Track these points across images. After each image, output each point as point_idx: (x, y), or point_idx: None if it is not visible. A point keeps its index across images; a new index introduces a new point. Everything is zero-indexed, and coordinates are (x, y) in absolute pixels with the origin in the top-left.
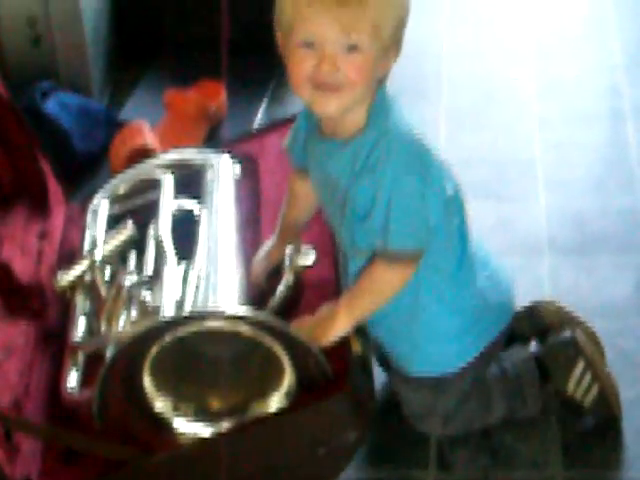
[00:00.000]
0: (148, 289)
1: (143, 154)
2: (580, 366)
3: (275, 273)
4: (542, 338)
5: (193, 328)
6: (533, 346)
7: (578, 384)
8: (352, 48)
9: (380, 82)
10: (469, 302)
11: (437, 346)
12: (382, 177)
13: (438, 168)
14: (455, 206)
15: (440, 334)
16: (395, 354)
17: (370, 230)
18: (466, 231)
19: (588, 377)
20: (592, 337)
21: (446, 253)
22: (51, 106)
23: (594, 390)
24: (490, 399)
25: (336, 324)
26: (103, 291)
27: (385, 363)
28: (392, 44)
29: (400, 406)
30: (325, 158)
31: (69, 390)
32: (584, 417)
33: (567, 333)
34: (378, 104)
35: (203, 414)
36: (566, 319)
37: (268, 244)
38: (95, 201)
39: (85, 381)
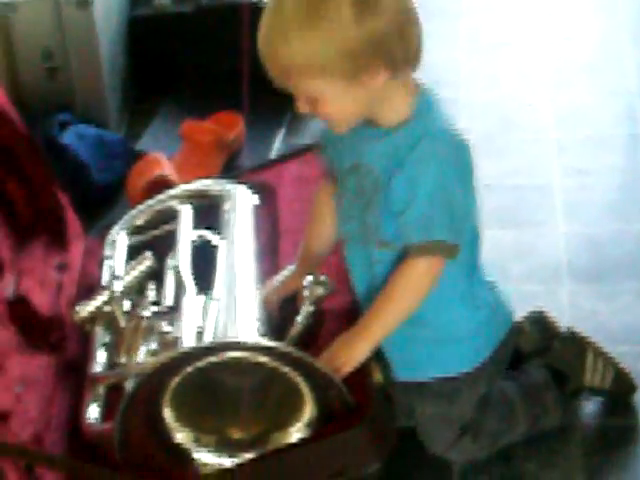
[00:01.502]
0: (168, 320)
1: (161, 185)
2: (590, 356)
3: (289, 302)
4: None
5: (213, 359)
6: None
7: (594, 373)
8: (302, 92)
9: (400, 72)
10: (485, 298)
11: (455, 346)
12: (426, 172)
13: (472, 170)
14: (476, 208)
15: (460, 332)
16: (407, 364)
17: (407, 221)
18: (478, 231)
19: (600, 363)
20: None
21: (467, 249)
22: (68, 138)
23: (610, 372)
24: (513, 411)
25: (357, 349)
26: (123, 322)
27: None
28: (348, 70)
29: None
30: (361, 144)
31: (90, 422)
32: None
33: (564, 331)
34: (425, 101)
35: (224, 445)
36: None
37: (285, 272)
38: (113, 232)
39: (106, 413)
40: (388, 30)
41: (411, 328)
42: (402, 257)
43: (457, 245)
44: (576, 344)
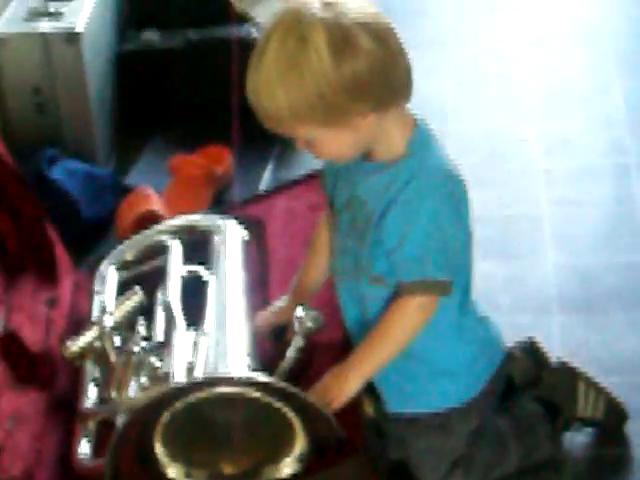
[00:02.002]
0: (158, 355)
1: (150, 220)
2: (581, 387)
3: (280, 334)
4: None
5: (204, 394)
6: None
7: (586, 403)
8: (297, 137)
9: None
10: (477, 332)
11: (447, 381)
12: (419, 210)
13: (467, 204)
14: (471, 241)
15: (452, 367)
16: (399, 397)
17: (399, 260)
18: (471, 263)
19: (592, 393)
20: None
21: (460, 282)
22: (57, 173)
23: (602, 402)
24: (505, 444)
25: (348, 384)
26: (113, 358)
27: (379, 429)
28: (335, 115)
29: (411, 468)
30: (357, 178)
31: (81, 458)
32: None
33: (555, 362)
34: (419, 136)
35: None
36: None
37: (278, 304)
38: (103, 267)
39: (97, 449)
40: (369, 71)
41: (403, 362)
42: (394, 293)
43: (450, 282)
44: (567, 375)
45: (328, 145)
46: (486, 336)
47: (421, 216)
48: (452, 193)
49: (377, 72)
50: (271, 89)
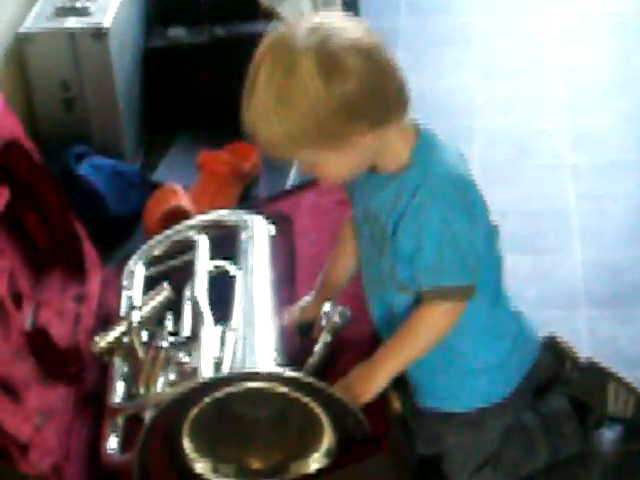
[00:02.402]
0: (186, 351)
1: (178, 216)
2: (612, 386)
3: (307, 329)
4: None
5: (232, 389)
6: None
7: (616, 402)
8: (298, 161)
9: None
10: (509, 327)
11: (482, 378)
12: (429, 218)
13: (481, 202)
14: (495, 236)
15: (486, 364)
16: (435, 392)
17: (417, 269)
18: (501, 258)
19: (622, 392)
20: None
21: (489, 279)
22: (85, 169)
23: (632, 401)
24: (533, 441)
25: (374, 380)
26: (141, 353)
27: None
28: (331, 138)
29: (439, 463)
30: (369, 191)
31: (109, 453)
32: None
33: (584, 361)
34: (422, 144)
35: (243, 475)
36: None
37: (305, 299)
38: (131, 263)
39: (125, 444)
40: (361, 93)
41: (434, 359)
42: (419, 300)
43: (471, 286)
44: (597, 374)
45: (330, 167)
46: (519, 332)
47: (431, 225)
48: (461, 197)
49: (369, 92)
50: (266, 121)
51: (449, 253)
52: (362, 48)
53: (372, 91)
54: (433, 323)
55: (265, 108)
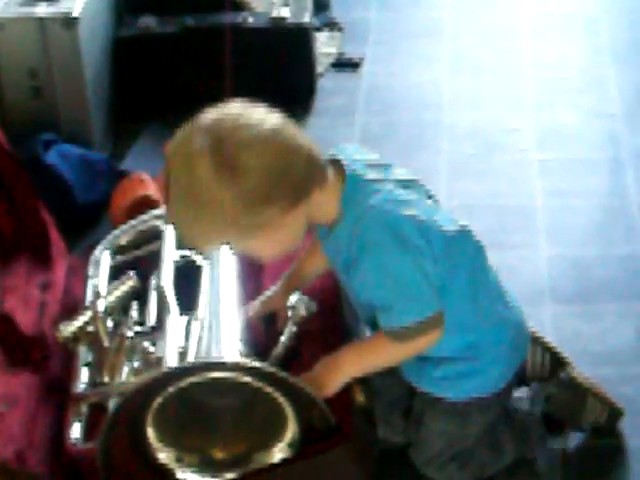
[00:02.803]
0: (151, 340)
1: (145, 205)
2: (590, 401)
3: (270, 321)
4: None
5: (196, 378)
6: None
7: (591, 414)
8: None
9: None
10: (514, 317)
11: (474, 371)
12: (366, 266)
13: (417, 225)
14: (461, 241)
15: (476, 359)
16: (429, 380)
17: (376, 311)
18: (475, 253)
19: (598, 405)
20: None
21: (462, 283)
22: (52, 157)
23: (606, 411)
24: (500, 442)
25: (339, 374)
26: (106, 342)
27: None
28: (247, 230)
29: (406, 453)
30: (322, 242)
31: (73, 441)
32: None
33: (563, 376)
34: (348, 190)
35: (207, 465)
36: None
37: (271, 289)
38: (97, 252)
39: (89, 432)
40: (264, 184)
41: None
42: None
43: (437, 313)
44: (576, 391)
45: (261, 250)
46: (515, 324)
47: (368, 274)
48: (392, 236)
49: (272, 182)
50: (184, 226)
51: (394, 294)
52: (258, 142)
53: (275, 179)
54: (405, 350)
55: (178, 215)
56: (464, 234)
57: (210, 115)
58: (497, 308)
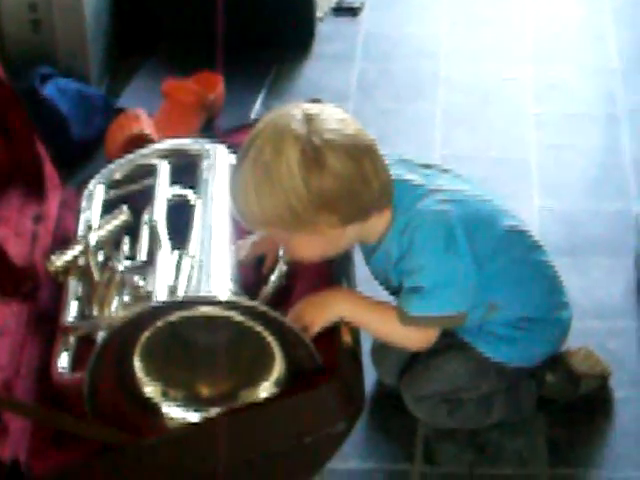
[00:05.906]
0: (141, 274)
1: (140, 141)
2: (584, 383)
3: (259, 262)
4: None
5: (185, 313)
6: None
7: (585, 389)
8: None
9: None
10: (569, 313)
11: (538, 347)
12: (417, 264)
13: (466, 222)
14: (511, 238)
15: (548, 335)
16: (478, 334)
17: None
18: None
19: (592, 382)
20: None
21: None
22: (49, 91)
23: (597, 382)
24: (491, 407)
25: (326, 312)
26: (96, 275)
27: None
28: (302, 225)
29: (393, 395)
30: (368, 258)
31: (60, 372)
32: (571, 414)
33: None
34: (396, 203)
35: (192, 400)
36: None
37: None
38: (91, 186)
39: (76, 364)
40: (337, 191)
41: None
42: None
43: (459, 313)
44: (571, 378)
45: (301, 248)
46: (566, 322)
47: (420, 271)
48: (439, 231)
49: (345, 193)
50: (246, 194)
51: (431, 285)
52: (347, 150)
53: (349, 193)
54: (401, 335)
55: (247, 184)
56: (515, 234)
57: (315, 107)
58: (561, 298)
